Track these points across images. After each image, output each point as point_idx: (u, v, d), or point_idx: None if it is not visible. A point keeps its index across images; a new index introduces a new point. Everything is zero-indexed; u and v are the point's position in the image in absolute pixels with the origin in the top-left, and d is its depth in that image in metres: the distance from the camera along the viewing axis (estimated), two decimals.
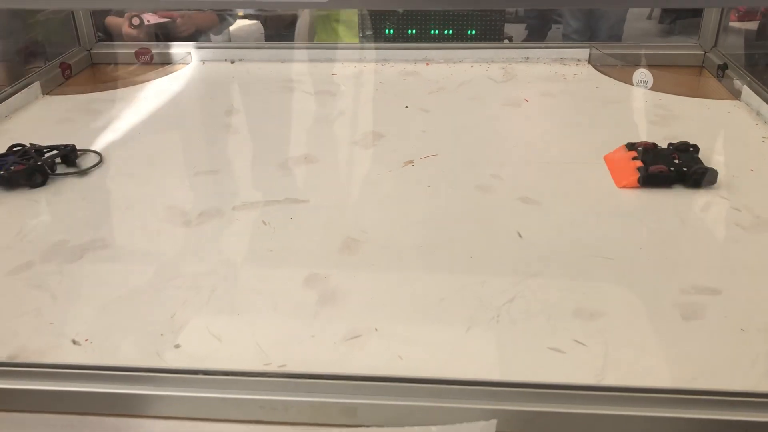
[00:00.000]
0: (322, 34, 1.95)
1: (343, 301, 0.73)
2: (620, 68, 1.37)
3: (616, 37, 2.59)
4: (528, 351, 0.66)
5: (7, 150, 1.04)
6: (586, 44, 1.45)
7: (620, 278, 0.77)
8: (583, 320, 0.70)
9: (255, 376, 0.59)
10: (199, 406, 0.59)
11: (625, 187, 0.93)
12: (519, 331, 0.68)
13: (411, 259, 0.81)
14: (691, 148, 0.98)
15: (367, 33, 1.95)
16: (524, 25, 3.28)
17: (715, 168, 0.93)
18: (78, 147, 1.06)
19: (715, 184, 0.93)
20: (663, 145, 1.00)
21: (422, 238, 0.84)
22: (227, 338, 0.67)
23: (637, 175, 0.94)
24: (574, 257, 0.80)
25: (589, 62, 1.43)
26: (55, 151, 1.04)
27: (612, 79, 1.35)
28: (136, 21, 1.62)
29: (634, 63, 1.38)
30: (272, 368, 0.62)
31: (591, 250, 0.81)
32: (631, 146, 1.01)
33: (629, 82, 1.32)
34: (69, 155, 1.04)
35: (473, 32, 1.65)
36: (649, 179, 0.92)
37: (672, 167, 0.93)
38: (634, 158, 0.97)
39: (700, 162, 0.95)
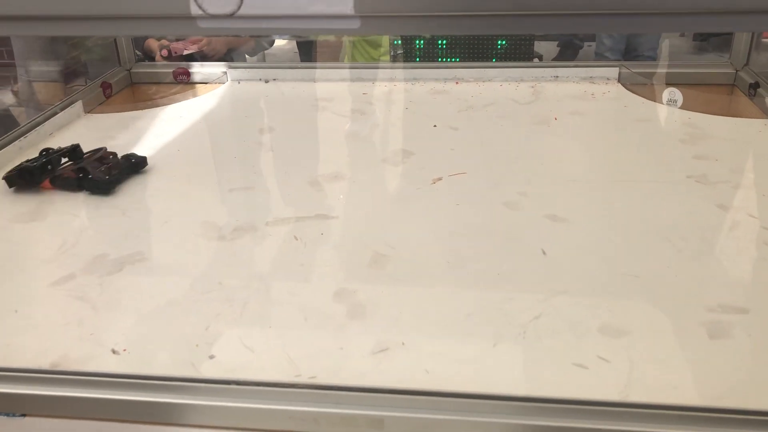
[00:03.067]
0: (354, 53, 2.00)
1: (371, 314, 0.75)
2: (650, 87, 1.38)
3: (650, 55, 2.58)
4: (553, 367, 0.66)
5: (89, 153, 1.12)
6: (616, 63, 1.45)
7: (646, 296, 0.77)
8: (609, 337, 0.70)
9: (286, 387, 0.61)
10: (231, 415, 0.61)
11: None
12: (545, 348, 0.69)
13: (438, 274, 0.82)
14: (110, 157, 1.11)
15: (398, 52, 1.98)
16: (555, 43, 3.29)
17: None
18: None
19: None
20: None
21: (450, 254, 0.86)
22: (259, 350, 0.69)
23: None
24: (600, 274, 0.81)
25: (619, 81, 1.43)
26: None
27: (641, 98, 1.35)
28: (164, 53, 1.69)
29: (663, 82, 1.38)
30: (302, 380, 0.64)
31: (617, 268, 0.82)
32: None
33: (659, 100, 1.32)
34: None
35: (503, 42, 1.67)
36: None
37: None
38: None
39: None
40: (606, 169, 1.07)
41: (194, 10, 0.47)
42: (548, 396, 0.59)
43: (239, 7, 0.46)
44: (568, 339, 0.70)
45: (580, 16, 0.48)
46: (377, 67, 1.56)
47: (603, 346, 0.69)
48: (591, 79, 1.45)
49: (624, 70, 1.43)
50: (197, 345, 0.69)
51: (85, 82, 1.52)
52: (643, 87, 1.39)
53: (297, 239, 0.91)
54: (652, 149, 1.14)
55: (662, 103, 1.31)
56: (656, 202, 0.96)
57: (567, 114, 1.29)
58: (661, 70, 1.44)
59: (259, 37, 1.94)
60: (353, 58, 2.08)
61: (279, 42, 2.37)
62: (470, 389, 0.61)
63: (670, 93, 1.30)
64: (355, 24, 0.47)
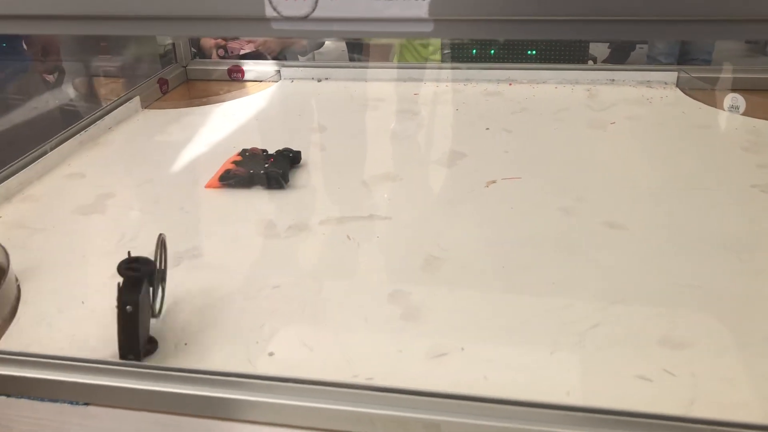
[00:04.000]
0: (404, 52, 1.99)
1: (426, 317, 0.75)
2: (710, 92, 1.34)
3: (705, 59, 2.52)
4: (613, 378, 0.65)
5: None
6: (675, 67, 1.42)
7: (709, 308, 0.75)
8: (670, 349, 0.69)
9: (343, 387, 0.61)
10: (288, 413, 0.62)
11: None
12: (603, 358, 0.68)
13: (493, 279, 0.82)
14: (291, 155, 1.12)
15: (446, 52, 1.97)
16: (606, 45, 3.24)
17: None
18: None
19: None
20: None
21: (504, 259, 0.85)
22: (317, 349, 0.70)
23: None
24: (660, 285, 0.79)
25: (677, 86, 1.40)
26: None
27: (700, 104, 1.32)
28: (221, 53, 1.71)
29: (724, 87, 1.34)
30: (360, 380, 0.64)
31: (678, 278, 0.80)
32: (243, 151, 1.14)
33: (720, 106, 1.28)
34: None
35: (533, 52, 1.64)
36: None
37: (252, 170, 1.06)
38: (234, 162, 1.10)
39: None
40: (665, 176, 1.04)
41: (269, 12, 0.47)
42: (610, 408, 0.57)
43: (313, 10, 0.47)
44: (628, 350, 0.69)
45: (649, 22, 0.47)
46: (428, 68, 1.55)
47: (664, 358, 0.67)
48: (648, 83, 1.42)
49: (683, 75, 1.40)
50: (257, 342, 0.70)
51: (144, 79, 1.54)
52: (702, 92, 1.35)
53: (350, 239, 0.91)
54: (713, 157, 1.11)
55: (723, 110, 1.28)
56: (718, 212, 0.94)
57: (623, 118, 1.26)
58: (723, 75, 1.40)
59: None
60: (402, 57, 2.08)
61: (328, 42, 2.38)
62: (529, 397, 0.60)
63: (732, 99, 1.27)
64: (429, 27, 0.46)
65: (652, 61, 2.61)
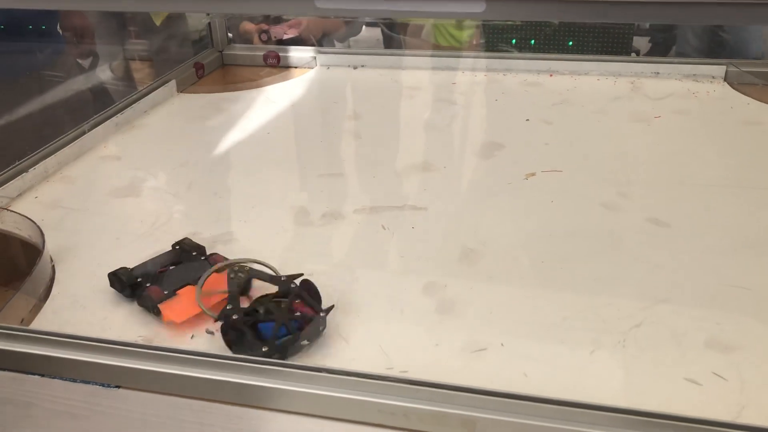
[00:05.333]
0: (437, 36, 1.95)
1: (462, 311, 0.73)
2: (760, 87, 1.29)
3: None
4: (657, 379, 0.63)
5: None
6: (724, 60, 1.37)
7: (759, 311, 0.72)
8: (717, 352, 0.66)
9: (377, 379, 0.59)
10: (321, 403, 0.60)
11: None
12: (646, 358, 0.65)
13: (532, 274, 0.79)
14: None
15: (483, 41, 1.93)
16: (647, 38, 3.16)
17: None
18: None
19: None
20: None
21: (544, 254, 0.83)
22: (353, 339, 0.68)
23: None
24: (706, 285, 0.76)
25: (725, 80, 1.35)
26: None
27: (750, 99, 1.27)
28: (264, 37, 1.70)
29: None
30: (394, 373, 0.62)
31: (725, 279, 0.77)
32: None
33: None
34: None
35: (570, 43, 1.60)
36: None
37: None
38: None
39: None
40: (712, 173, 1.00)
41: None
42: (653, 411, 0.55)
43: None
44: (672, 351, 0.66)
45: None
46: (466, 56, 1.52)
47: (710, 361, 0.64)
48: (695, 77, 1.37)
49: (732, 69, 1.35)
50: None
51: (180, 63, 1.54)
52: (752, 87, 1.31)
53: (385, 229, 0.89)
54: (762, 155, 1.07)
55: None
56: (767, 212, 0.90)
57: (669, 113, 1.22)
58: None
59: (351, 21, 1.93)
60: (436, 40, 2.03)
61: (364, 30, 2.35)
62: (569, 396, 0.58)
63: None
64: (480, 7, 0.44)
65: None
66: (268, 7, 0.48)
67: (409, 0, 0.44)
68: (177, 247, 0.82)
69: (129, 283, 0.76)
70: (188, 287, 0.75)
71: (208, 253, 0.82)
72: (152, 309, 0.73)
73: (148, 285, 0.75)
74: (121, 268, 0.77)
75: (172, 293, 0.74)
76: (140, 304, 0.74)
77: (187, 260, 0.80)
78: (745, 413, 0.58)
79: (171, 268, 0.78)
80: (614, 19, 0.44)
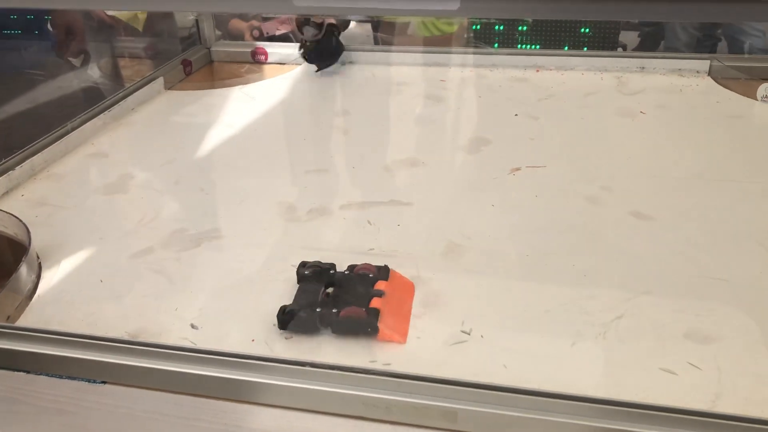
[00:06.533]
0: (422, 29, 1.95)
1: (446, 304, 0.74)
2: (744, 82, 1.30)
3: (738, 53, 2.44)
4: (636, 370, 0.64)
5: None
6: (708, 55, 1.38)
7: (737, 302, 0.73)
8: (696, 343, 0.67)
9: (360, 372, 0.60)
10: (304, 397, 0.61)
11: None
12: (627, 350, 0.66)
13: (516, 267, 0.80)
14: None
15: (469, 35, 1.93)
16: (636, 33, 3.17)
17: None
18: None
19: None
20: None
21: (528, 247, 0.83)
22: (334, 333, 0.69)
23: None
24: (687, 276, 0.77)
25: (709, 74, 1.36)
26: None
27: (734, 93, 1.28)
28: (256, 33, 1.70)
29: (759, 76, 1.30)
30: (377, 366, 0.63)
31: (705, 271, 0.78)
32: None
33: (753, 96, 1.25)
34: None
35: (587, 30, 1.60)
36: None
37: None
38: None
39: None
40: (695, 167, 1.01)
41: None
42: (632, 401, 0.56)
43: None
44: (652, 342, 0.67)
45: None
46: (455, 53, 1.53)
47: (690, 351, 0.65)
48: (680, 72, 1.38)
49: (716, 63, 1.36)
50: (274, 324, 0.69)
51: (167, 60, 1.54)
52: (736, 81, 1.32)
53: (371, 224, 0.90)
54: (745, 148, 1.08)
55: (757, 99, 1.24)
56: (749, 204, 0.91)
57: (653, 107, 1.23)
58: (758, 64, 1.36)
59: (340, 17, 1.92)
60: (421, 31, 2.02)
61: (353, 25, 2.35)
62: (548, 388, 0.59)
63: (765, 89, 1.23)
64: (455, 5, 0.45)
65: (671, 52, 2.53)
66: (247, 6, 0.48)
67: None
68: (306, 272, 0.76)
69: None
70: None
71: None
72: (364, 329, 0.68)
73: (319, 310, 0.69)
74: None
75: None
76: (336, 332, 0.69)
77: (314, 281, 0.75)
78: (720, 402, 0.59)
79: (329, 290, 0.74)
80: (588, 16, 0.45)
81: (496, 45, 1.84)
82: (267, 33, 1.73)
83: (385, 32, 1.98)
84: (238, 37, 1.75)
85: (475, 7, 0.46)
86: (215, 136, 1.19)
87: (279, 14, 1.66)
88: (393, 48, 1.57)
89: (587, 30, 1.57)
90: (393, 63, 1.51)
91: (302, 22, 1.43)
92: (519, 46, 1.75)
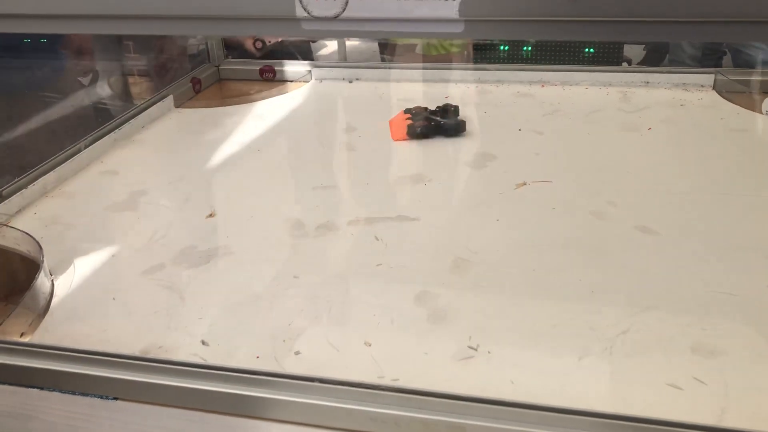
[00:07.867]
0: (430, 48, 1.97)
1: (453, 320, 0.74)
2: (748, 96, 1.31)
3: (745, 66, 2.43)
4: (642, 385, 0.64)
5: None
6: (712, 69, 1.39)
7: (743, 316, 0.73)
8: (702, 358, 0.67)
9: (368, 388, 0.61)
10: (313, 413, 0.62)
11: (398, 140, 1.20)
12: (633, 364, 0.67)
13: (522, 283, 0.81)
14: (452, 108, 1.25)
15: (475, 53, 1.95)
16: (642, 47, 3.18)
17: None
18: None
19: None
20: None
21: (534, 263, 0.84)
22: (343, 349, 0.70)
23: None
24: (693, 291, 0.78)
25: (714, 88, 1.37)
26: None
27: (739, 107, 1.29)
28: (258, 45, 1.73)
29: (764, 90, 1.31)
30: (385, 382, 0.64)
31: (711, 285, 0.78)
32: (407, 110, 1.27)
33: (758, 110, 1.25)
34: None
35: (591, 50, 1.62)
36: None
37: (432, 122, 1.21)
38: (407, 118, 1.24)
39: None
40: (700, 181, 1.02)
41: (299, 12, 0.47)
42: (639, 415, 0.56)
43: (343, 10, 0.47)
44: (658, 357, 0.68)
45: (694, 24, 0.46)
46: (459, 68, 1.54)
47: (696, 366, 0.66)
48: (684, 86, 1.39)
49: (720, 77, 1.37)
50: (284, 340, 0.70)
51: (177, 79, 1.56)
52: (740, 96, 1.32)
53: (378, 240, 0.91)
54: (751, 161, 1.08)
55: (762, 113, 1.25)
56: (755, 219, 0.92)
57: (658, 122, 1.24)
58: (763, 78, 1.37)
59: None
60: (428, 51, 2.05)
61: (359, 42, 2.38)
62: (555, 403, 0.59)
63: None
64: (459, 28, 0.46)
65: (675, 65, 2.53)
66: (257, 29, 0.50)
67: (389, 22, 0.46)
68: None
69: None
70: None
71: None
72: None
73: None
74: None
75: None
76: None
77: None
78: (727, 416, 0.59)
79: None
80: (590, 37, 0.46)
81: (505, 47, 1.84)
82: (269, 41, 1.76)
83: (390, 53, 2.01)
84: (241, 45, 1.77)
85: (478, 30, 0.47)
86: (224, 153, 1.20)
87: (288, 38, 1.68)
88: (399, 65, 1.58)
89: (591, 50, 1.59)
90: (399, 79, 1.53)
91: None
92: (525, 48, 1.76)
